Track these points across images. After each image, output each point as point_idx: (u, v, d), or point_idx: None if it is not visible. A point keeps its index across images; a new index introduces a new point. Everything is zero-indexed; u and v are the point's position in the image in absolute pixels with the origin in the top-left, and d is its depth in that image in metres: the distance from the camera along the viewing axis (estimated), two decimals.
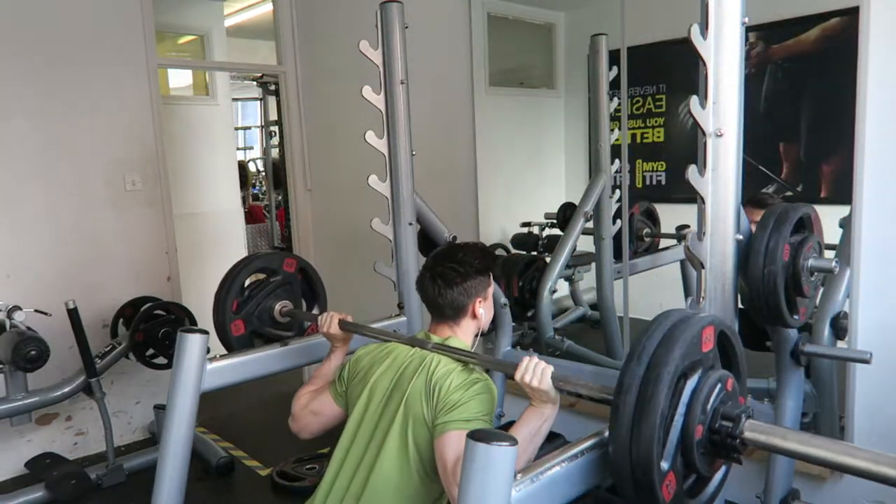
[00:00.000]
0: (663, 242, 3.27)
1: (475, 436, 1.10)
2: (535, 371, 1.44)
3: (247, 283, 2.37)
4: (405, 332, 2.48)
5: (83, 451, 3.53)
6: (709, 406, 1.19)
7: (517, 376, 1.46)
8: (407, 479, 1.56)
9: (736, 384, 1.26)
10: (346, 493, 1.60)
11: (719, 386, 1.21)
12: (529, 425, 1.45)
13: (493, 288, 1.79)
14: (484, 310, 1.75)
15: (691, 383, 1.17)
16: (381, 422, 1.61)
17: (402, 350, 1.72)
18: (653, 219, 3.21)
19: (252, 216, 7.29)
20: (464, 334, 1.74)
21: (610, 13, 2.94)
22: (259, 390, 4.08)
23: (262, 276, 2.43)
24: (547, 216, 3.56)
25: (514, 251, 3.61)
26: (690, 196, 1.53)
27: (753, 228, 2.44)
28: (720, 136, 1.47)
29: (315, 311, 2.48)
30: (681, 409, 1.16)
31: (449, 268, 1.71)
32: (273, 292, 2.34)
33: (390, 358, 1.71)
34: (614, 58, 2.97)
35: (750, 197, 2.51)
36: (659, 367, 1.13)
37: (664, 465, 1.13)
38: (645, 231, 3.18)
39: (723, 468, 1.29)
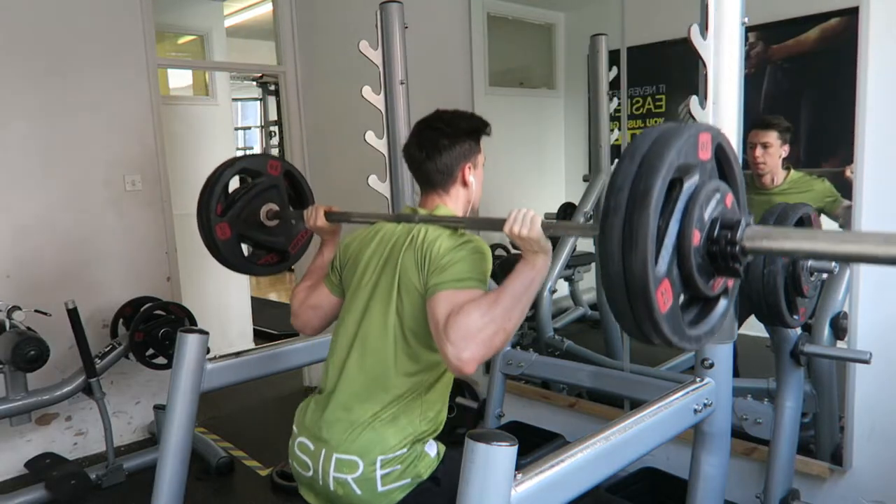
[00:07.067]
0: None
1: (475, 436, 1.10)
2: (525, 220, 1.40)
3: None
4: None
5: (83, 451, 3.53)
6: (706, 214, 1.10)
7: (506, 228, 1.42)
8: (404, 352, 1.52)
9: (735, 203, 1.17)
10: (344, 367, 1.57)
11: (718, 196, 1.12)
12: (522, 277, 1.41)
13: (483, 157, 1.71)
14: (474, 178, 1.66)
15: (688, 187, 1.09)
16: (375, 298, 1.57)
17: (390, 227, 1.66)
18: None
19: None
20: (454, 203, 1.65)
21: (610, 13, 2.94)
22: (259, 390, 4.08)
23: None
24: (547, 216, 3.54)
25: (514, 251, 3.61)
26: None
27: (758, 151, 2.48)
28: None
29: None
30: (676, 214, 1.08)
31: (436, 129, 1.63)
32: (258, 195, 2.25)
33: (378, 237, 1.66)
34: (614, 58, 2.97)
35: (755, 119, 2.51)
36: (653, 161, 1.04)
37: (660, 267, 1.05)
38: None
39: (723, 302, 1.22)
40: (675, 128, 1.10)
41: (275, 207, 2.26)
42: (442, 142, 1.61)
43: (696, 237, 1.09)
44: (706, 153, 1.14)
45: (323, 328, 1.80)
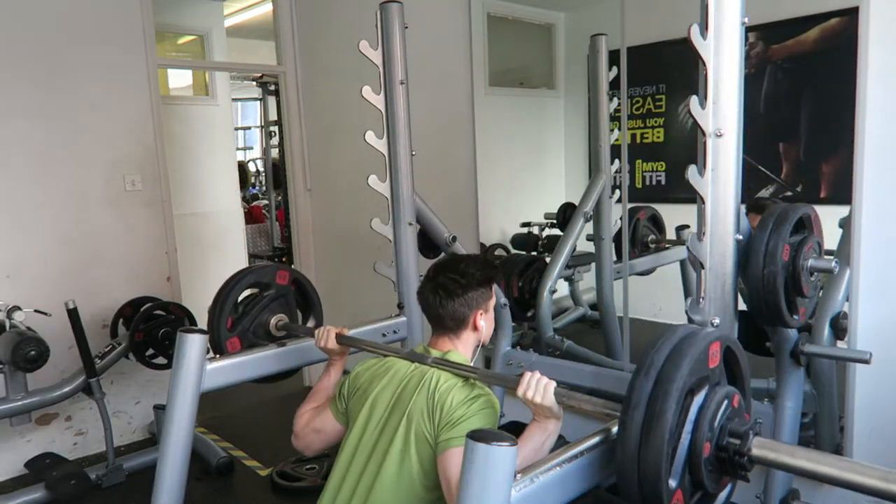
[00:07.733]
0: None
1: (475, 436, 1.10)
2: (538, 387, 1.42)
3: (240, 298, 2.31)
4: (405, 332, 2.48)
5: (83, 451, 3.53)
6: (716, 423, 1.18)
7: (519, 392, 1.44)
8: (409, 495, 1.54)
9: (742, 400, 1.26)
10: None
11: (726, 402, 1.20)
12: (533, 440, 1.45)
13: (494, 301, 1.77)
14: (485, 322, 1.72)
15: (698, 400, 1.17)
16: (382, 439, 1.60)
17: (402, 366, 1.70)
18: (658, 225, 3.21)
19: (252, 216, 7.29)
20: (464, 347, 1.71)
21: (610, 13, 2.94)
22: (259, 390, 4.07)
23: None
24: (547, 216, 3.56)
25: (514, 251, 3.61)
26: (690, 196, 1.53)
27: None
28: (720, 136, 1.47)
29: (311, 324, 2.44)
30: (688, 426, 1.16)
31: (450, 278, 1.68)
32: (267, 306, 2.29)
33: (390, 374, 1.69)
34: (614, 58, 2.97)
35: (751, 203, 2.50)
36: (667, 383, 1.13)
37: (672, 482, 1.13)
38: (650, 238, 3.17)
39: (728, 485, 1.29)
40: (688, 338, 1.20)
41: (284, 318, 2.32)
42: (455, 291, 1.67)
43: (707, 448, 1.17)
44: (715, 360, 1.23)
45: (324, 449, 1.86)
